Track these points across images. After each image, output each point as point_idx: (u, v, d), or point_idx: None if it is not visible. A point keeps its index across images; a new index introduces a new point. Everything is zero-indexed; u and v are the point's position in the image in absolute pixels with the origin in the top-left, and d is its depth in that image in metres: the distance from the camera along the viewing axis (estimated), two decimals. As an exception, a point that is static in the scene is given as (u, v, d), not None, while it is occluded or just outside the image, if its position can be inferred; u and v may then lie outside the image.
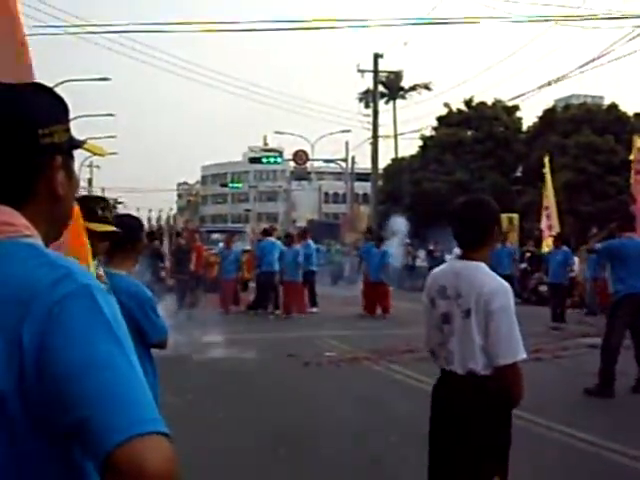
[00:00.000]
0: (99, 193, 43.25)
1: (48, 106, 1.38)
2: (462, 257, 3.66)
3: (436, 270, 3.81)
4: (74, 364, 1.15)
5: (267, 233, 18.83)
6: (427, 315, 3.72)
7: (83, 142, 1.47)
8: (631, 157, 18.94)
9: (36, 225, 1.32)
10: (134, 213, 4.84)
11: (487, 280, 3.47)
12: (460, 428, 3.51)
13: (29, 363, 1.16)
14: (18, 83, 1.40)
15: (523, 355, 3.39)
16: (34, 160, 1.33)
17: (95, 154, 1.53)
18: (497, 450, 3.52)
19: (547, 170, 21.75)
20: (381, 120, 36.80)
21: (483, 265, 3.52)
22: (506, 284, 3.50)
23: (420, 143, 42.32)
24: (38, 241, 1.31)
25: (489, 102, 40.88)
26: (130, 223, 4.07)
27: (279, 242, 18.46)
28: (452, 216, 3.70)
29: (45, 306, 1.18)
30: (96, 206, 3.49)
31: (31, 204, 1.33)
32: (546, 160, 22.10)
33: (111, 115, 42.05)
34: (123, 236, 3.83)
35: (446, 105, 41.90)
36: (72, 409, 1.14)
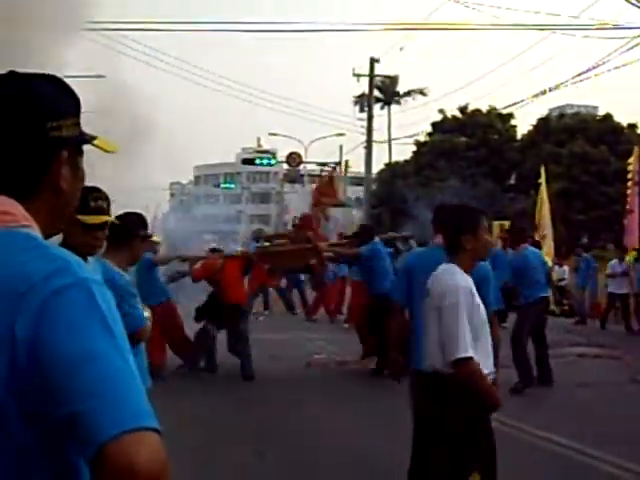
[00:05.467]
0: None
1: (59, 98, 1.36)
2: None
3: None
4: (67, 357, 1.14)
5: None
6: None
7: (94, 137, 1.43)
8: (630, 167, 18.98)
9: (37, 218, 1.31)
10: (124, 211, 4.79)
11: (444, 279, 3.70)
12: (428, 427, 3.68)
13: (21, 355, 1.14)
14: (31, 72, 1.37)
15: (464, 354, 3.46)
16: (41, 153, 1.32)
17: (106, 151, 1.48)
18: (468, 448, 3.57)
19: (542, 180, 21.67)
20: (376, 124, 36.75)
21: (452, 266, 3.70)
22: (458, 283, 3.62)
23: (414, 148, 42.39)
24: (36, 232, 1.29)
25: (484, 109, 41.00)
26: (128, 220, 4.07)
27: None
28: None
29: (40, 298, 1.16)
30: (88, 196, 3.30)
31: (35, 197, 1.32)
32: (542, 170, 22.03)
33: (106, 113, 41.92)
34: (120, 231, 3.84)
35: (441, 111, 42.03)
36: (64, 403, 1.13)
